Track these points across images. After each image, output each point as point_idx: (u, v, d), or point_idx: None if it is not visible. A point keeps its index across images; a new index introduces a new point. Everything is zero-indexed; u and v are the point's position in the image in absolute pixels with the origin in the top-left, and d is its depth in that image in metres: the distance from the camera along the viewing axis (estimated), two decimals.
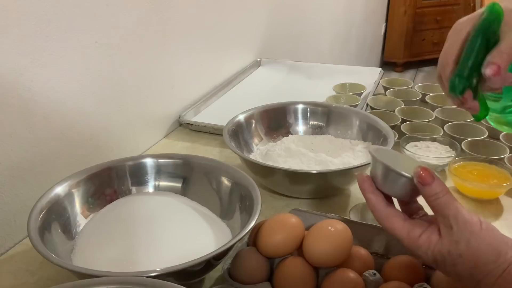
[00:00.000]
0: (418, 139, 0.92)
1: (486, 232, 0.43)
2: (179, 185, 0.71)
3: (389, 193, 0.49)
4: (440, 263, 0.44)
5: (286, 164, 0.81)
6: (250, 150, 0.89)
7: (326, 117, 0.94)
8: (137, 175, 0.71)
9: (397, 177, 0.48)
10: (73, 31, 0.75)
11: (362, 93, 1.17)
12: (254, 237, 0.60)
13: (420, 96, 1.16)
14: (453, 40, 0.49)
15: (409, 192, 0.48)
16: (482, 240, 0.42)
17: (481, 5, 2.70)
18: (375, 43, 3.50)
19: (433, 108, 1.07)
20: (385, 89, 1.23)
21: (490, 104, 0.50)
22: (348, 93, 1.17)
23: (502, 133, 0.93)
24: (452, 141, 0.90)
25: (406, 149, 0.88)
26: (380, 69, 1.35)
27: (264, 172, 0.78)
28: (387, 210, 0.47)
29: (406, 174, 0.47)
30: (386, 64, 3.73)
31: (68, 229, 0.62)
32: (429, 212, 0.48)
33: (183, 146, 0.99)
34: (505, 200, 0.79)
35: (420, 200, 0.49)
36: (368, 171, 0.78)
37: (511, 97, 0.51)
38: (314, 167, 0.79)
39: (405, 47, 3.67)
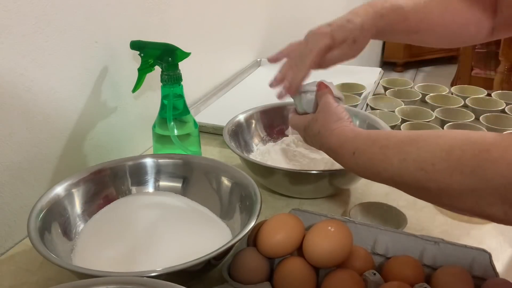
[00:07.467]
0: None
1: (338, 110, 0.64)
2: (179, 185, 0.71)
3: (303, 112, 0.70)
4: (306, 128, 0.67)
5: (286, 164, 0.81)
6: (250, 150, 0.89)
7: None
8: (137, 175, 0.71)
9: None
10: (73, 31, 0.75)
11: (362, 93, 1.17)
12: (254, 237, 0.60)
13: (420, 96, 1.16)
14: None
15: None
16: (332, 114, 0.63)
17: None
18: (375, 43, 3.49)
19: (433, 108, 1.07)
20: (385, 89, 1.23)
21: None
22: (348, 93, 1.17)
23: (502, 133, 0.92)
24: None
25: None
26: (380, 69, 1.35)
27: (264, 172, 0.78)
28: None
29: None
30: (386, 64, 3.72)
31: (68, 229, 0.62)
32: None
33: None
34: None
35: None
36: None
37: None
38: (314, 167, 0.79)
39: (405, 47, 3.65)
